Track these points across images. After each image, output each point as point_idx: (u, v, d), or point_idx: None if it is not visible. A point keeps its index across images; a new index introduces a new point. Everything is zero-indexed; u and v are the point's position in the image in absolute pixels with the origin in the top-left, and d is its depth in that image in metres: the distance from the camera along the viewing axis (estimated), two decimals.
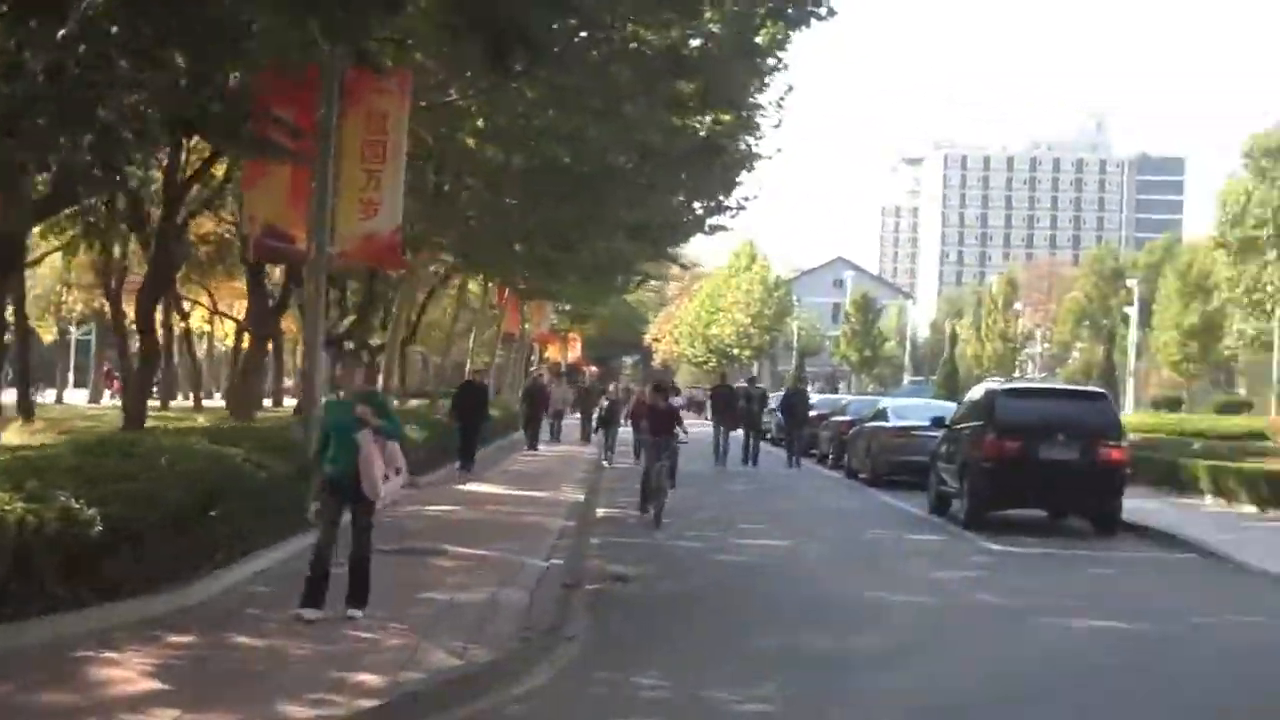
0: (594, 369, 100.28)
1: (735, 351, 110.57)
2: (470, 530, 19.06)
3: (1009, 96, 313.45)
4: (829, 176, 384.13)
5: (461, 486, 26.14)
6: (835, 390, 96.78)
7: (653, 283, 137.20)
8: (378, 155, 19.11)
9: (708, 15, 21.37)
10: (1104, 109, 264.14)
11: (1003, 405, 23.69)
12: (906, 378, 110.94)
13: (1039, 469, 22.63)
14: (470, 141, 25.79)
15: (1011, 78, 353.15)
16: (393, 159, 19.29)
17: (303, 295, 25.90)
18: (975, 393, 27.00)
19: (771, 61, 26.07)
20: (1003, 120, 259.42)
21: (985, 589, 16.82)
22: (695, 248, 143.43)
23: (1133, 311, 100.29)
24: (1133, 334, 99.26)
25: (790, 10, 22.38)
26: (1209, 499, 28.15)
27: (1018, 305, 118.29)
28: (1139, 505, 25.85)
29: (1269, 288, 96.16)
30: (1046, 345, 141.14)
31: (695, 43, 22.27)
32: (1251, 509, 26.25)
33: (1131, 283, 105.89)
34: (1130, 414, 77.95)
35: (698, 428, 40.53)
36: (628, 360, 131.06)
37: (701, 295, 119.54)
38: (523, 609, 13.01)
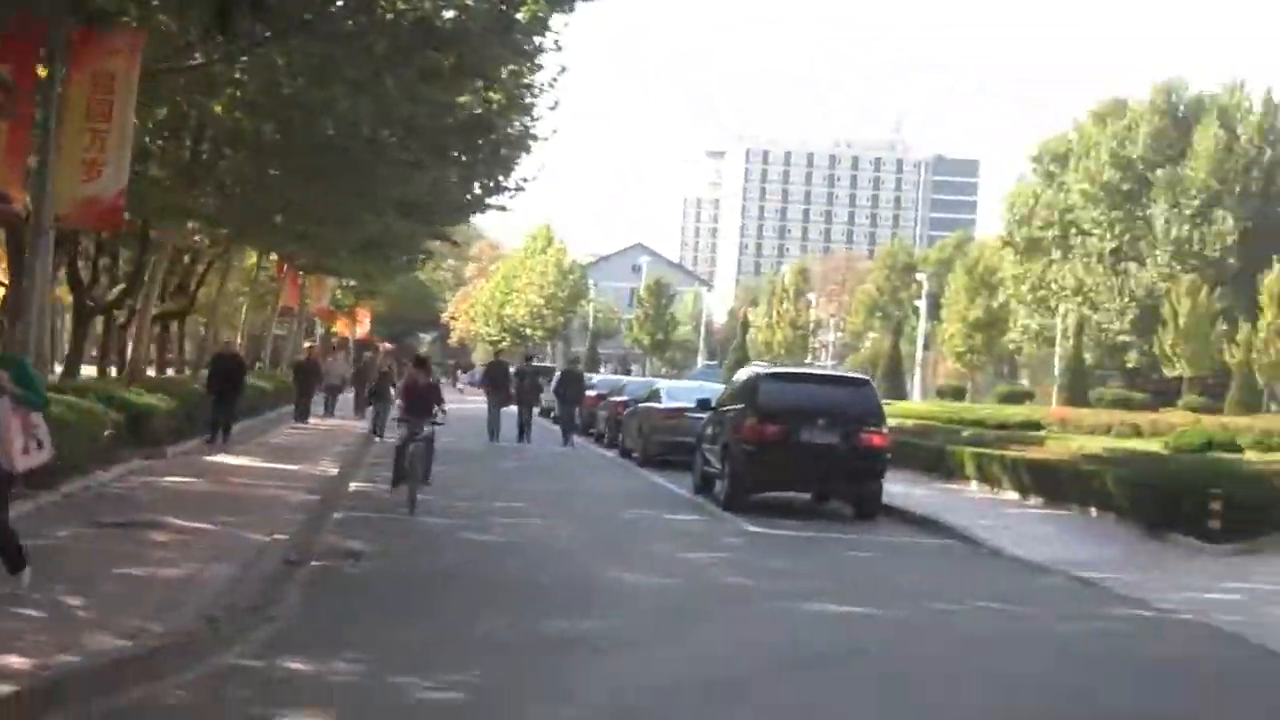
0: (388, 345, 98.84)
1: (529, 331, 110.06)
2: (202, 503, 17.97)
3: (812, 95, 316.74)
4: (637, 166, 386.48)
5: (211, 458, 24.97)
6: (628, 372, 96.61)
7: (450, 262, 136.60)
8: (104, 116, 17.90)
9: None
10: (903, 111, 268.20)
11: (765, 389, 23.29)
12: (700, 361, 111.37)
13: (799, 452, 22.29)
14: (218, 108, 24.61)
15: (815, 77, 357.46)
16: (119, 120, 18.06)
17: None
18: (740, 376, 26.65)
19: (540, 41, 25.43)
20: (805, 118, 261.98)
21: (734, 571, 16.32)
22: (496, 229, 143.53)
23: (922, 304, 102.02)
24: (922, 325, 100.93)
25: None
26: (974, 485, 28.19)
27: (810, 295, 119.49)
28: (906, 490, 25.86)
29: (1053, 286, 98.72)
30: (840, 334, 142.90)
31: (449, 14, 21.52)
32: (1014, 495, 26.31)
33: (922, 276, 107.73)
34: (916, 402, 79.37)
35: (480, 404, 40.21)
36: (425, 337, 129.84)
37: (497, 276, 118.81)
38: (226, 587, 12.07)
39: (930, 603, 14.59)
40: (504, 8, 21.87)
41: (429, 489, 20.86)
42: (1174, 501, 20.47)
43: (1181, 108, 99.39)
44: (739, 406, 23.52)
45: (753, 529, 20.51)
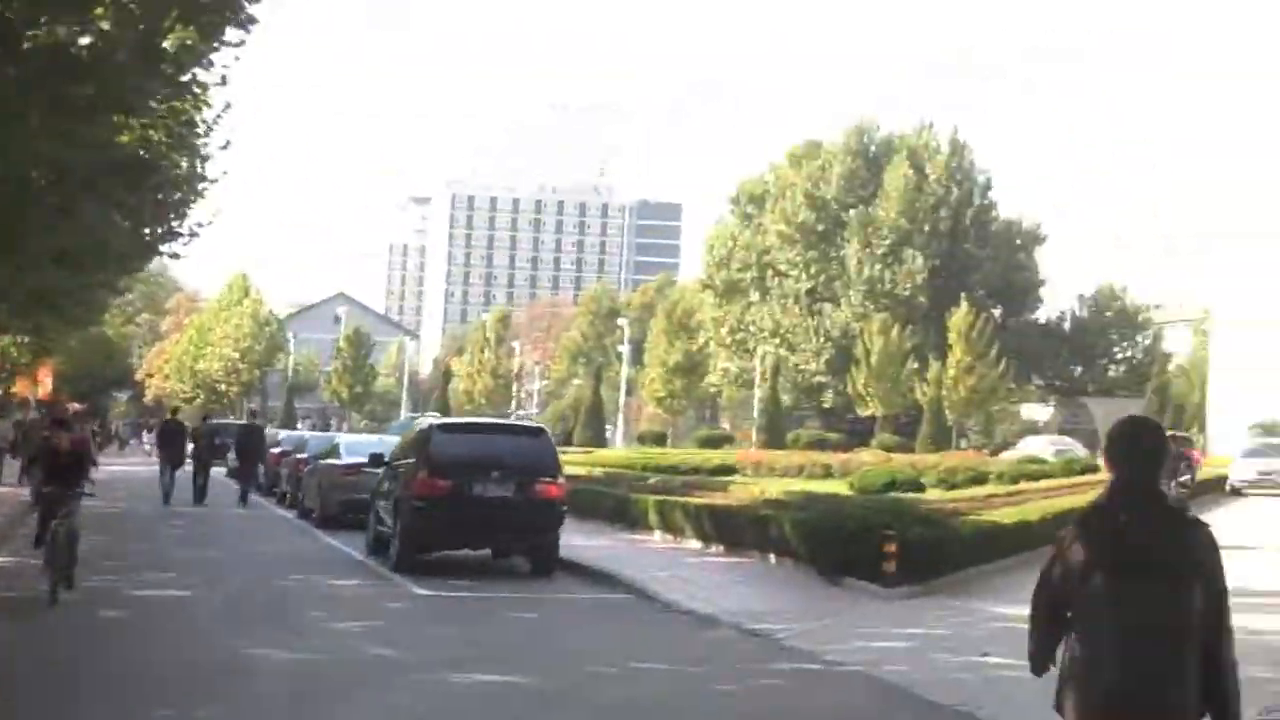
0: (76, 406, 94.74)
1: (223, 387, 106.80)
2: None
3: (516, 140, 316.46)
4: (343, 213, 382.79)
5: None
6: (327, 427, 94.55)
7: (145, 316, 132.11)
8: None
9: (99, 11, 19.18)
10: (607, 155, 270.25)
11: (437, 441, 22.40)
12: (403, 414, 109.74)
13: (473, 507, 21.37)
14: None
15: (517, 122, 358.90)
16: None
17: None
18: (415, 428, 25.71)
19: (199, 74, 24.05)
20: (510, 163, 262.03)
21: (386, 642, 15.25)
22: (196, 281, 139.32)
23: (625, 349, 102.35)
24: (624, 371, 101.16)
25: (203, 18, 20.42)
26: (658, 535, 27.65)
27: (514, 343, 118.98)
28: (589, 542, 25.29)
29: (751, 328, 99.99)
30: (545, 382, 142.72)
31: (86, 41, 20.03)
32: (696, 544, 25.81)
33: (623, 322, 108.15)
34: (618, 448, 79.31)
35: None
36: (120, 396, 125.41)
37: (190, 329, 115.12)
38: None
39: (589, 665, 13.87)
40: (146, 34, 20.40)
41: (74, 570, 18.69)
42: (849, 545, 20.13)
43: (873, 148, 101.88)
44: (410, 461, 22.56)
45: (421, 592, 19.56)
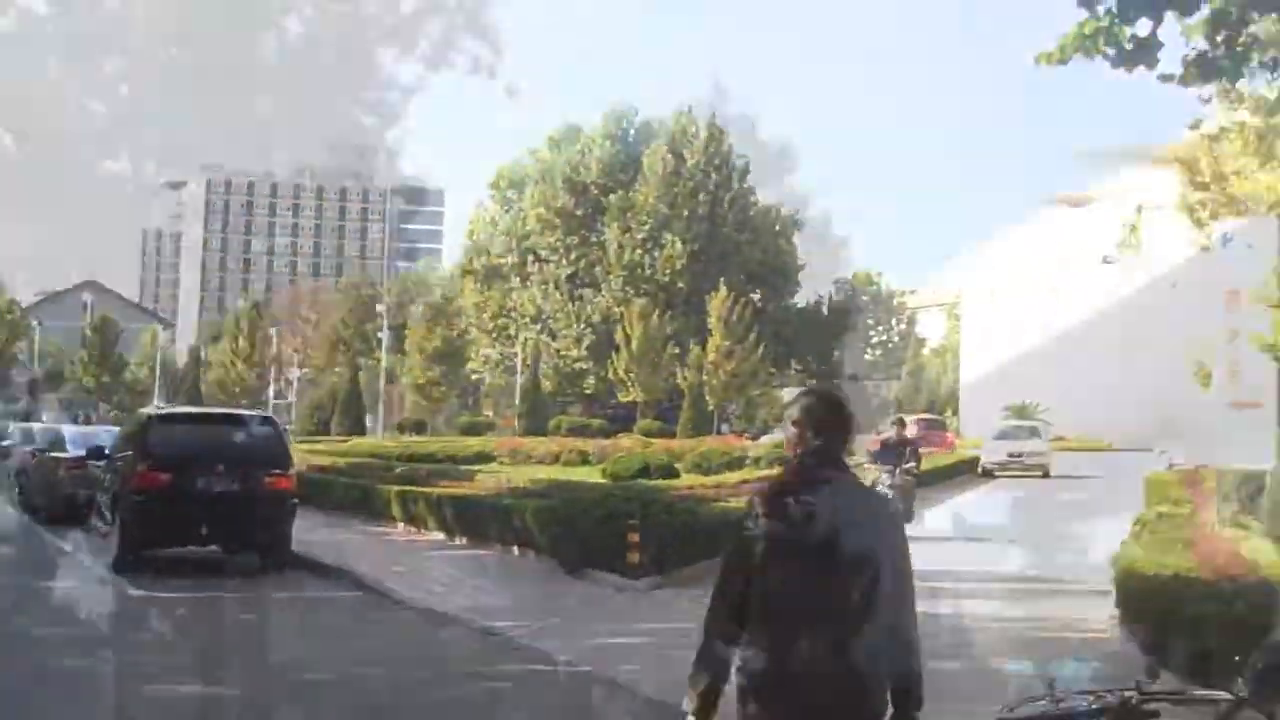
0: None
1: None
2: None
3: (270, 120, 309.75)
4: (93, 198, 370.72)
5: None
6: (75, 419, 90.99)
7: None
8: None
9: None
10: (366, 140, 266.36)
11: (156, 432, 21.17)
12: (156, 403, 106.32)
13: (196, 502, 20.13)
14: None
15: (272, 106, 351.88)
16: None
17: None
18: (135, 419, 24.36)
19: None
20: (268, 145, 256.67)
21: (86, 650, 14.07)
22: None
23: (384, 336, 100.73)
24: (384, 359, 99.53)
25: None
26: (401, 526, 26.68)
27: (271, 330, 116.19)
28: (328, 536, 24.31)
29: (513, 314, 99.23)
30: (305, 370, 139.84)
31: None
32: (439, 536, 24.93)
33: (381, 308, 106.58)
34: (377, 438, 77.87)
35: None
36: None
37: None
38: None
39: (307, 672, 12.96)
40: None
41: None
42: (591, 535, 19.42)
43: (632, 133, 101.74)
44: (129, 453, 21.25)
45: (136, 593, 18.33)
